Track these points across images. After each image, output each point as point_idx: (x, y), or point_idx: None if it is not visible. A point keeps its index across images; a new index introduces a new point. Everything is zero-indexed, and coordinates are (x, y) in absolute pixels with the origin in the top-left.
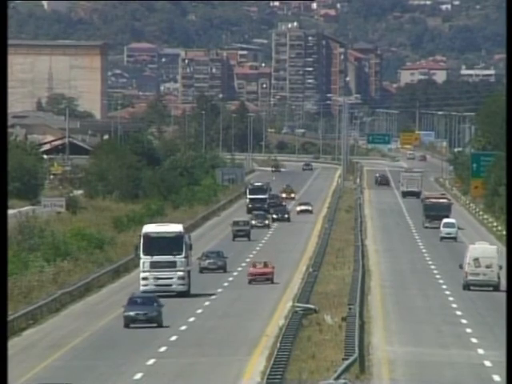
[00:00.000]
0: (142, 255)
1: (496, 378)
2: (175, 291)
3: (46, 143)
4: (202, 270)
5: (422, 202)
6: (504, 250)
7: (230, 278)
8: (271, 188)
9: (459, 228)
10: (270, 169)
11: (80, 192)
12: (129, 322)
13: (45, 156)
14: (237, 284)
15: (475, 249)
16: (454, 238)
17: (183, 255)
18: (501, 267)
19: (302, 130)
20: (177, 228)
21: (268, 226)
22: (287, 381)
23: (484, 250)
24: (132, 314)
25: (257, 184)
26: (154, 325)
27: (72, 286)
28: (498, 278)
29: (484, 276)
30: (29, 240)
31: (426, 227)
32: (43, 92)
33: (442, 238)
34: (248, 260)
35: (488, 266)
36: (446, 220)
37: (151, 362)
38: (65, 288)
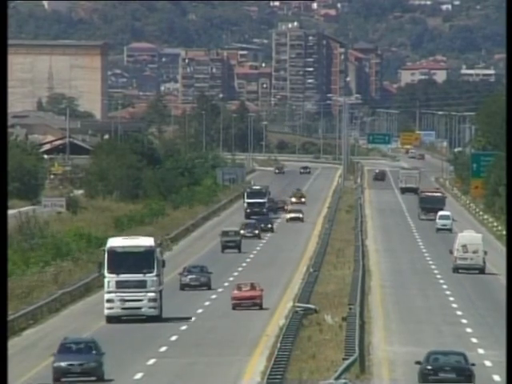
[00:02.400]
0: (106, 273)
1: (496, 377)
2: (145, 315)
3: (46, 143)
4: (184, 286)
5: (418, 195)
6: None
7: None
8: (270, 192)
9: (453, 220)
10: (270, 168)
11: (80, 192)
12: (60, 376)
13: (45, 156)
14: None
15: (463, 236)
16: (449, 230)
17: (154, 273)
18: (486, 253)
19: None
20: (147, 242)
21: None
22: (287, 381)
23: (471, 238)
24: (64, 364)
25: (255, 187)
26: (92, 379)
27: (72, 286)
28: (484, 262)
29: (471, 260)
30: (29, 240)
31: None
32: (43, 92)
33: (438, 230)
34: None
35: (475, 252)
36: (441, 213)
37: (151, 362)
38: (65, 288)
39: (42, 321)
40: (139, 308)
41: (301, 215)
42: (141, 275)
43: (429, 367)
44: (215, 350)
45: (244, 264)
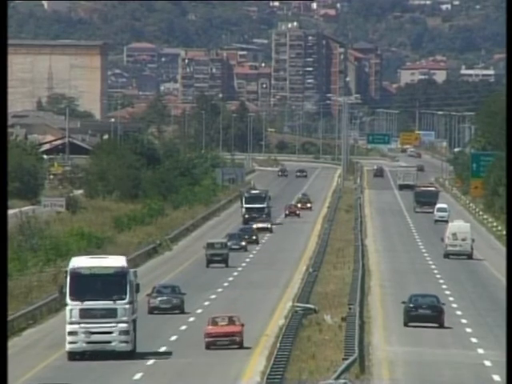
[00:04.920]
0: (68, 300)
1: (496, 378)
2: (115, 350)
3: (46, 143)
4: (153, 310)
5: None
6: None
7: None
8: (270, 196)
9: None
10: (270, 169)
11: (80, 192)
12: None
13: (45, 156)
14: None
15: (453, 225)
16: (446, 221)
17: (127, 300)
18: (473, 240)
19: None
20: (118, 262)
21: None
22: (287, 381)
23: (460, 227)
24: None
25: (253, 192)
26: None
27: None
28: (471, 248)
29: (460, 247)
30: (30, 240)
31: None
32: (43, 92)
33: (436, 221)
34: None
35: (463, 239)
36: (438, 205)
37: (151, 362)
38: None
39: (41, 321)
40: (108, 342)
41: (269, 225)
42: (110, 302)
43: (411, 305)
44: (215, 351)
45: (244, 264)
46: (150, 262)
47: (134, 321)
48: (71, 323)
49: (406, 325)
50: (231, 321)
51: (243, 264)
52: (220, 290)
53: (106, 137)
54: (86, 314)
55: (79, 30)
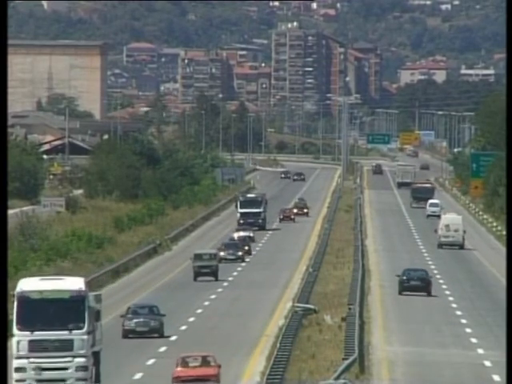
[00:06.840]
0: (15, 330)
1: (496, 378)
2: None
3: (45, 143)
4: (127, 333)
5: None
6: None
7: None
8: (267, 200)
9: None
10: (270, 169)
11: (80, 192)
12: None
13: (45, 156)
14: None
15: (446, 218)
16: (438, 216)
17: (85, 329)
18: (465, 231)
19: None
20: (74, 284)
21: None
22: (287, 381)
23: (452, 219)
24: None
25: (249, 196)
26: None
27: None
28: (463, 239)
29: (452, 238)
30: (29, 240)
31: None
32: (43, 92)
33: (428, 216)
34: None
35: (456, 231)
36: (431, 201)
37: (151, 362)
38: None
39: None
40: (62, 380)
41: (251, 234)
42: (65, 333)
43: (404, 277)
44: (215, 350)
45: (244, 264)
46: (150, 262)
47: (96, 354)
48: (19, 357)
49: (400, 293)
50: (205, 361)
51: (243, 264)
52: (220, 290)
53: (105, 137)
54: (36, 346)
55: (79, 30)
